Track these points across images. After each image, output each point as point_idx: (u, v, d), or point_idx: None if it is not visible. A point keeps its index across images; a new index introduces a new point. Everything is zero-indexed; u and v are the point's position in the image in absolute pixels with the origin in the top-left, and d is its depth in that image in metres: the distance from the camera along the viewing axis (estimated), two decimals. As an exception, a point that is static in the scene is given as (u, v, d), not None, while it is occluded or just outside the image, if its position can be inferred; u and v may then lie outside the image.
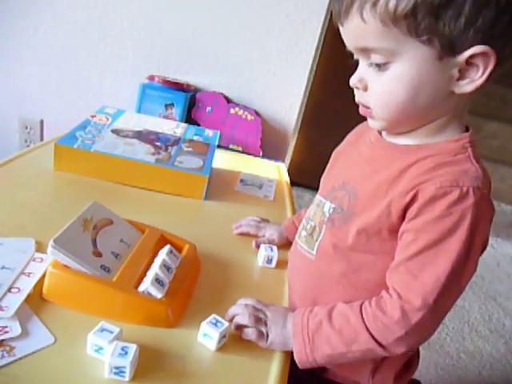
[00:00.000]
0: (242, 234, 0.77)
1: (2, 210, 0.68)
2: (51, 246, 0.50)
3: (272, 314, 0.54)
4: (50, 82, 1.32)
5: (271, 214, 0.85)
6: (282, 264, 0.69)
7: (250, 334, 0.52)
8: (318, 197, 0.61)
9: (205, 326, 0.50)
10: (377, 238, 0.51)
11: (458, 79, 0.46)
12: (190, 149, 0.95)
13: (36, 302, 0.51)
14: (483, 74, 0.45)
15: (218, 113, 1.21)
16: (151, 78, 1.21)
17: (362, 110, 0.54)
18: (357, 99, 0.53)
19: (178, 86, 1.19)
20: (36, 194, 0.77)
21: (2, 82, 1.34)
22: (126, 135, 0.94)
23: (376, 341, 0.48)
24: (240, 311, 0.54)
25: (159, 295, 0.52)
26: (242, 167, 1.09)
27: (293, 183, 1.09)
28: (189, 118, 1.22)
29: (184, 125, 1.10)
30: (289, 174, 1.15)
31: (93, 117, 0.99)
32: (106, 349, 0.45)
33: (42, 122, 1.38)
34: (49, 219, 0.69)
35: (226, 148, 1.22)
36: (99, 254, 0.54)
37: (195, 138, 1.02)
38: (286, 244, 0.74)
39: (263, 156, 1.22)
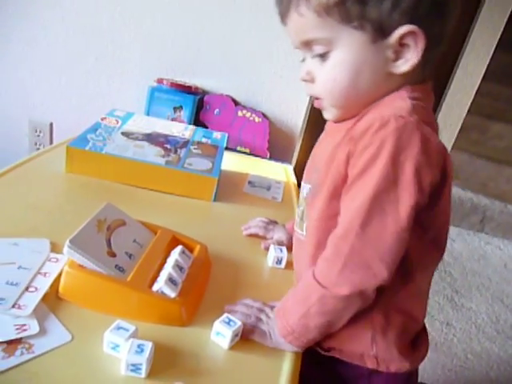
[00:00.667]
0: (250, 235, 0.78)
1: (17, 212, 0.70)
2: (67, 246, 0.51)
3: (274, 315, 0.55)
4: (60, 85, 1.34)
5: (279, 216, 0.85)
6: (291, 265, 0.70)
7: (251, 332, 0.53)
8: (302, 183, 0.64)
9: (218, 325, 0.51)
10: (337, 200, 0.52)
11: (395, 60, 0.49)
12: (199, 151, 0.96)
13: (53, 300, 0.52)
14: (416, 52, 0.48)
15: (225, 115, 1.22)
16: (160, 80, 1.22)
17: (315, 103, 0.57)
18: (308, 92, 0.57)
19: (186, 89, 1.20)
20: (49, 196, 0.78)
21: (13, 87, 1.36)
22: (135, 137, 0.95)
23: (321, 285, 0.49)
24: (244, 310, 0.56)
25: (173, 294, 0.53)
26: (249, 169, 1.10)
27: (299, 185, 1.10)
28: (197, 121, 1.23)
29: (192, 127, 1.11)
30: (295, 175, 1.16)
31: (103, 119, 1.01)
32: (122, 346, 0.46)
33: (51, 125, 1.39)
34: (62, 220, 0.70)
35: (234, 150, 1.23)
36: (113, 254, 0.55)
37: (204, 140, 1.04)
38: (294, 245, 0.75)
39: (270, 158, 1.23)
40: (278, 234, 0.77)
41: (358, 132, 0.48)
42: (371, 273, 0.47)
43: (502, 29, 2.03)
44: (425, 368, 1.45)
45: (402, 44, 0.48)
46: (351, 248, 0.47)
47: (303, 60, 0.56)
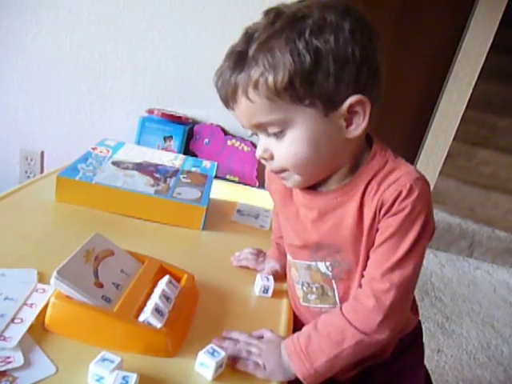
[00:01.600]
0: (241, 267, 0.78)
1: (5, 242, 0.70)
2: (55, 278, 0.52)
3: (266, 346, 0.56)
4: (52, 114, 1.36)
5: (267, 244, 0.86)
6: (278, 294, 0.71)
7: (245, 365, 0.54)
8: (300, 262, 0.65)
9: (202, 356, 0.52)
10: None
11: (347, 127, 0.53)
12: (188, 180, 0.98)
13: (38, 332, 0.52)
14: (364, 117, 0.52)
15: (215, 144, 1.25)
16: (150, 111, 1.24)
17: (275, 173, 0.59)
18: (269, 168, 0.59)
19: (176, 119, 1.23)
20: (38, 225, 0.79)
21: (4, 115, 1.38)
22: (126, 167, 0.96)
23: (361, 332, 0.53)
24: (232, 345, 0.56)
25: (159, 325, 0.53)
26: (238, 197, 1.12)
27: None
28: (187, 150, 1.25)
29: (182, 156, 1.13)
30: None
31: (94, 149, 1.02)
32: (107, 378, 0.46)
33: (42, 153, 1.41)
34: (51, 250, 0.70)
35: (223, 178, 1.24)
36: (100, 285, 0.56)
37: (193, 169, 1.05)
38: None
39: (259, 186, 1.25)
40: (271, 264, 0.77)
41: (384, 203, 0.53)
42: (404, 312, 0.56)
43: (483, 59, 2.11)
44: (416, 396, 1.43)
45: (350, 112, 0.52)
46: (392, 301, 0.52)
47: (252, 135, 0.59)
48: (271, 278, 0.72)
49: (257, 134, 0.57)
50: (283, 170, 0.57)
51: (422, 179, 0.53)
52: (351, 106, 0.51)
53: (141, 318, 0.54)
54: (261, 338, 0.59)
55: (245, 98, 0.51)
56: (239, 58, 0.51)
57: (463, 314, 1.98)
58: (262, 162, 0.59)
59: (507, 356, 1.75)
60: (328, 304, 0.64)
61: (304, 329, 0.57)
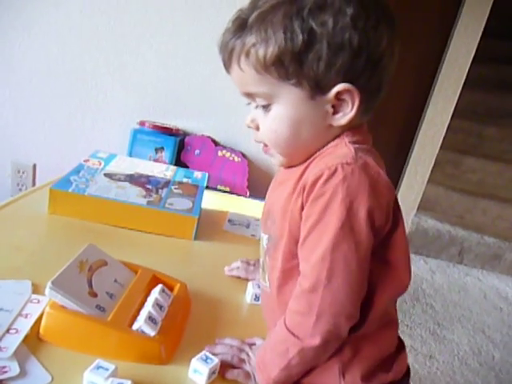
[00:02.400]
0: (232, 276, 0.79)
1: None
2: (49, 288, 0.53)
3: (254, 352, 0.57)
4: (43, 127, 1.37)
5: (257, 252, 0.88)
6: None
7: (236, 374, 0.55)
8: (261, 233, 0.64)
9: (195, 362, 0.53)
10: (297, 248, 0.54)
11: (334, 114, 0.52)
12: (180, 191, 0.99)
13: (33, 342, 0.53)
14: (352, 107, 0.50)
15: (206, 155, 1.26)
16: (142, 123, 1.26)
17: (263, 149, 0.59)
18: (254, 138, 0.59)
19: (167, 131, 1.25)
20: (31, 237, 0.79)
21: (-4, 129, 1.38)
22: (118, 179, 0.98)
23: (298, 338, 0.49)
24: (225, 351, 0.57)
25: (152, 333, 0.54)
26: (229, 207, 1.13)
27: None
28: (178, 161, 1.27)
29: (174, 167, 1.14)
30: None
31: (86, 161, 1.03)
32: (101, 386, 0.47)
33: (34, 166, 1.41)
34: (44, 262, 0.71)
35: (215, 189, 1.26)
36: (94, 295, 0.57)
37: (184, 180, 1.07)
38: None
39: (250, 196, 1.27)
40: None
41: (307, 183, 0.50)
42: (343, 318, 0.49)
43: (467, 70, 2.16)
44: (409, 402, 1.44)
45: (339, 99, 0.51)
46: (322, 300, 0.48)
47: (249, 104, 0.58)
48: None
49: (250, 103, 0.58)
50: (265, 145, 0.57)
51: (354, 165, 0.48)
52: (339, 93, 0.50)
53: (134, 327, 0.55)
54: (253, 345, 0.60)
55: (237, 65, 0.52)
56: (240, 24, 0.51)
57: (454, 321, 2.01)
58: (253, 131, 0.59)
59: (498, 361, 1.78)
60: (263, 281, 0.63)
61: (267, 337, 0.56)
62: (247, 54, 0.50)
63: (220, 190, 1.26)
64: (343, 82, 0.49)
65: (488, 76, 3.21)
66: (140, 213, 0.88)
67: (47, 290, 0.53)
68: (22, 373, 0.49)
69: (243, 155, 1.27)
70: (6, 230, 0.80)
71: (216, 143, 1.29)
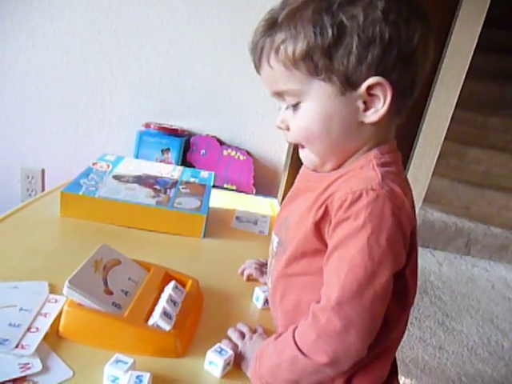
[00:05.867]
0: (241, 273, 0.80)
1: (15, 257, 0.73)
2: (67, 287, 0.54)
3: (251, 340, 0.59)
4: (51, 132, 1.39)
5: (266, 248, 0.89)
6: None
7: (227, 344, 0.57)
8: (273, 233, 0.65)
9: (210, 354, 0.55)
10: (305, 260, 0.54)
11: (365, 110, 0.50)
12: (188, 190, 1.01)
13: (53, 339, 0.55)
14: (384, 102, 0.49)
15: (211, 155, 1.28)
16: (147, 125, 1.28)
17: (299, 149, 0.58)
18: (287, 139, 0.58)
19: (172, 132, 1.27)
20: (45, 240, 0.82)
21: (5, 135, 1.41)
22: (126, 180, 1.00)
23: (298, 347, 0.48)
24: (234, 336, 0.60)
25: (168, 327, 0.56)
26: (236, 205, 1.15)
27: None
28: (184, 161, 1.28)
29: (180, 168, 1.16)
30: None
31: (94, 164, 1.05)
32: (121, 378, 0.49)
33: (43, 171, 1.44)
34: (59, 263, 0.73)
35: (221, 188, 1.28)
36: (110, 292, 0.59)
37: (191, 179, 1.09)
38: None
39: (256, 193, 1.28)
40: None
41: (331, 204, 0.49)
42: (348, 349, 0.46)
43: (469, 60, 2.17)
44: (420, 393, 1.46)
45: (370, 94, 0.49)
46: (327, 320, 0.46)
47: (279, 109, 0.57)
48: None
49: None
50: (300, 145, 0.57)
51: (380, 191, 0.47)
52: (370, 87, 0.49)
53: (150, 322, 0.57)
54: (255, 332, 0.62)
55: (267, 63, 0.52)
56: (270, 23, 0.51)
57: (463, 311, 2.02)
58: (283, 132, 0.58)
59: (508, 350, 1.78)
60: (269, 283, 0.64)
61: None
62: (277, 51, 0.50)
63: (227, 189, 1.28)
64: (374, 75, 0.48)
65: (490, 66, 3.20)
66: (150, 213, 0.90)
67: (65, 289, 0.55)
68: (45, 369, 0.51)
69: (248, 153, 1.29)
70: (21, 233, 0.82)
71: (221, 142, 1.31)
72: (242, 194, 1.27)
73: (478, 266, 2.51)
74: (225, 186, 1.28)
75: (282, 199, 1.44)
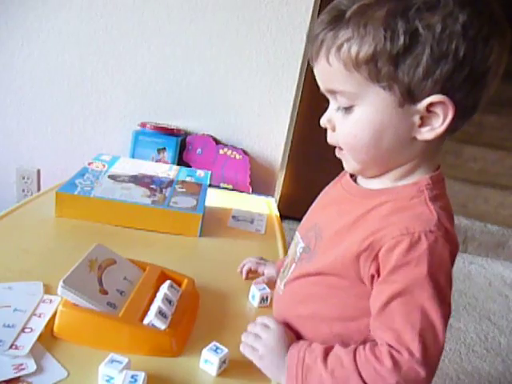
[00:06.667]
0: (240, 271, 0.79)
1: (10, 257, 0.73)
2: (61, 287, 0.54)
3: (267, 338, 0.55)
4: (46, 133, 1.39)
5: (263, 247, 0.90)
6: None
7: (244, 349, 0.56)
8: (297, 234, 0.63)
9: (205, 353, 0.54)
10: (332, 278, 0.53)
11: (420, 126, 0.48)
12: (184, 189, 1.01)
13: (48, 340, 0.55)
14: (443, 122, 0.46)
15: (207, 154, 1.28)
16: (143, 124, 1.28)
17: (337, 153, 0.56)
18: (328, 139, 0.55)
19: (168, 131, 1.26)
20: (40, 240, 0.81)
21: (0, 136, 1.40)
22: (122, 180, 0.99)
23: (363, 381, 0.47)
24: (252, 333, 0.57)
25: (163, 326, 0.56)
26: (233, 204, 1.15)
27: (286, 217, 1.14)
28: (180, 161, 1.28)
29: (176, 167, 1.16)
30: (279, 208, 1.21)
31: (90, 164, 1.05)
32: (116, 378, 0.49)
33: (38, 171, 1.43)
34: (54, 263, 0.73)
35: (218, 187, 1.28)
36: (105, 292, 0.59)
37: (188, 178, 1.08)
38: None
39: (253, 192, 1.28)
40: (269, 270, 0.77)
41: (377, 239, 0.48)
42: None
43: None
44: (418, 391, 1.46)
45: (430, 111, 0.47)
46: (410, 370, 0.46)
47: (328, 103, 0.54)
48: (266, 286, 0.72)
49: (328, 102, 0.54)
50: (340, 148, 0.54)
51: (437, 233, 0.46)
52: (431, 104, 0.46)
53: (145, 321, 0.56)
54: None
55: (325, 58, 0.48)
56: (336, 16, 0.47)
57: (460, 309, 2.02)
58: (328, 131, 0.55)
59: (505, 347, 1.79)
60: (280, 282, 0.63)
61: (314, 346, 0.52)
62: (339, 49, 0.47)
63: (223, 188, 1.28)
64: (438, 93, 0.45)
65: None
66: (145, 212, 0.90)
67: (59, 289, 0.54)
68: (39, 369, 0.50)
69: (244, 152, 1.29)
70: (16, 234, 0.82)
71: (217, 142, 1.31)
72: (239, 193, 1.27)
73: (475, 264, 2.52)
74: (221, 185, 1.28)
75: (280, 198, 1.45)
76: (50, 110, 1.36)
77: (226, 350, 0.55)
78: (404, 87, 0.46)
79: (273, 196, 1.32)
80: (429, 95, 0.46)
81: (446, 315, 0.47)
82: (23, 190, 1.46)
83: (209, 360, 0.54)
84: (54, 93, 1.34)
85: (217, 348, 0.55)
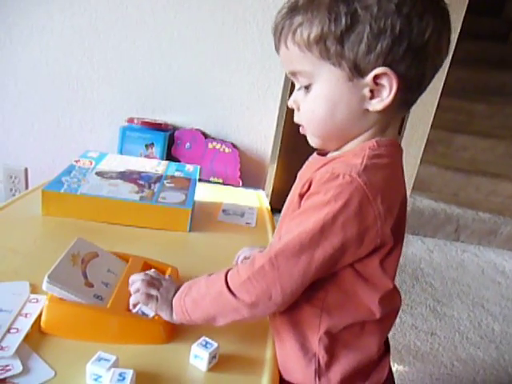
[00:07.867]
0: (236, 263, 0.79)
1: (-4, 257, 0.72)
2: (46, 282, 0.53)
3: (167, 283, 0.59)
4: (32, 131, 1.37)
5: (254, 240, 0.89)
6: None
7: (138, 296, 0.57)
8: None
9: (195, 348, 0.54)
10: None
11: (371, 98, 0.52)
12: (172, 184, 1.00)
13: (34, 340, 0.54)
14: (390, 93, 0.51)
15: (196, 148, 1.27)
16: (130, 120, 1.26)
17: (301, 130, 0.60)
18: (294, 119, 0.60)
19: (156, 126, 1.25)
20: (26, 239, 0.80)
21: (-15, 135, 1.38)
22: (109, 176, 0.98)
23: (227, 284, 0.53)
24: (138, 278, 0.59)
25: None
26: (223, 198, 1.14)
27: (279, 210, 1.13)
28: (169, 156, 1.27)
29: (165, 162, 1.15)
30: (271, 200, 1.20)
31: (77, 161, 1.04)
32: (104, 376, 0.48)
33: (26, 170, 1.41)
34: (40, 262, 0.71)
35: (208, 181, 1.27)
36: (91, 285, 0.58)
37: (176, 173, 1.07)
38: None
39: (243, 186, 1.27)
40: (247, 250, 0.78)
41: (313, 178, 0.52)
42: (269, 299, 0.51)
43: (453, 47, 2.17)
44: (412, 378, 1.47)
45: (377, 84, 0.51)
46: (261, 267, 0.50)
47: (299, 89, 0.58)
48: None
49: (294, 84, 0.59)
50: (302, 126, 0.59)
51: (356, 180, 0.49)
52: (376, 76, 0.50)
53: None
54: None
55: (284, 43, 0.54)
56: (292, 6, 0.53)
57: (453, 297, 2.03)
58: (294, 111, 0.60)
59: (498, 334, 1.80)
60: None
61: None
62: (293, 33, 0.52)
63: (213, 182, 1.27)
64: (382, 66, 0.50)
65: (475, 53, 3.21)
66: (133, 208, 0.89)
67: (44, 285, 0.53)
68: (25, 370, 0.49)
69: (234, 146, 1.28)
70: (1, 233, 0.80)
71: (206, 136, 1.29)
72: (229, 186, 1.26)
73: (467, 252, 2.53)
74: (211, 179, 1.27)
75: (272, 191, 1.44)
76: (36, 106, 1.34)
77: (215, 345, 0.54)
78: (351, 62, 0.51)
79: (263, 189, 1.31)
80: (373, 68, 0.50)
81: (320, 246, 0.49)
82: (11, 190, 1.44)
83: (198, 355, 0.53)
84: (39, 90, 1.32)
85: (206, 343, 0.54)
